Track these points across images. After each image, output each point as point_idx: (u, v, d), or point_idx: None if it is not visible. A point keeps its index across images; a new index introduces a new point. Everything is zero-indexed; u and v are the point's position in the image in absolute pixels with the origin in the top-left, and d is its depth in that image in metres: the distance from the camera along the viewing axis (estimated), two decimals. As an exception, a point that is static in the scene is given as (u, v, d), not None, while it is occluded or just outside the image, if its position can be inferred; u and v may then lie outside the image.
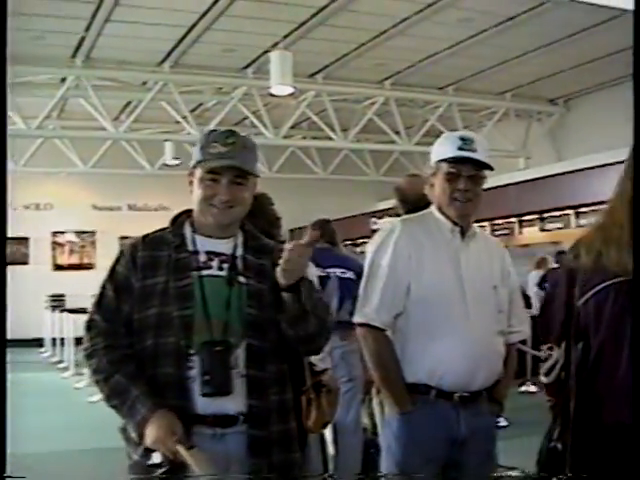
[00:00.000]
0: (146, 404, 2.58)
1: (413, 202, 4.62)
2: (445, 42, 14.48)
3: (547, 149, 18.69)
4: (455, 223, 3.44)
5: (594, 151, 15.11)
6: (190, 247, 2.82)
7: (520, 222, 16.26)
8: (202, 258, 2.80)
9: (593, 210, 15.32)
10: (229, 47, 14.52)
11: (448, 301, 3.33)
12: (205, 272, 2.77)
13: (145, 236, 2.88)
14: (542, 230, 16.49)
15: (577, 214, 15.58)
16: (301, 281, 2.69)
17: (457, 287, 3.35)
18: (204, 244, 2.83)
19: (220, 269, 2.79)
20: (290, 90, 13.96)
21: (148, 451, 2.57)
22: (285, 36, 13.77)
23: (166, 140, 18.85)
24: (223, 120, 16.51)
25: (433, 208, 3.53)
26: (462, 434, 3.28)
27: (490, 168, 3.42)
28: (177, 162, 18.73)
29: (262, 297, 2.77)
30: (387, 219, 4.67)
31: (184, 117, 16.38)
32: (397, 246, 3.39)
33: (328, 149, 19.51)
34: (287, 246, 2.68)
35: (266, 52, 14.32)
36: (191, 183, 2.85)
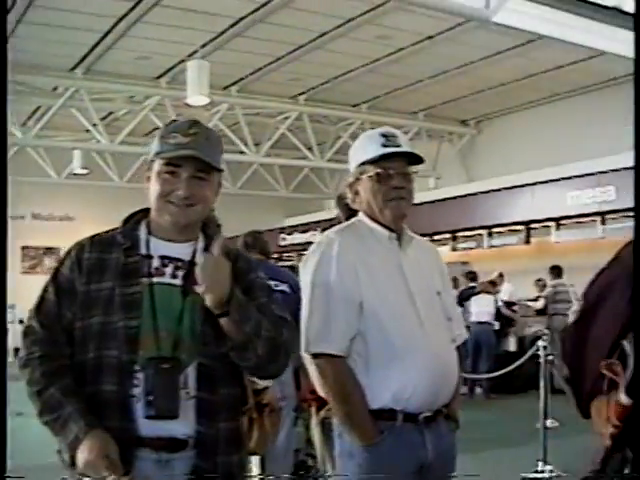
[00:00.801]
0: (79, 423, 2.29)
1: (356, 212, 4.46)
2: (362, 59, 14.49)
3: (457, 169, 18.90)
4: (391, 229, 3.13)
5: (503, 173, 15.29)
6: (142, 250, 2.52)
7: (432, 241, 16.26)
8: (155, 263, 2.50)
9: (506, 231, 15.53)
10: (143, 55, 14.23)
11: (402, 315, 3.03)
12: (157, 279, 2.47)
13: (94, 236, 2.58)
14: (454, 250, 16.60)
15: (489, 234, 15.74)
16: (230, 301, 2.36)
17: (407, 299, 3.06)
18: (159, 247, 2.53)
19: (174, 276, 2.49)
20: (206, 100, 13.67)
21: (82, 476, 2.27)
22: (203, 45, 13.53)
23: (74, 148, 18.35)
24: (134, 130, 16.19)
25: (362, 217, 3.22)
26: (429, 459, 3.03)
27: (420, 161, 3.14)
28: (85, 172, 18.28)
29: None
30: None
31: (94, 125, 15.98)
32: (340, 260, 3.02)
33: (238, 163, 19.28)
34: (198, 259, 2.40)
35: (182, 61, 14.09)
36: (148, 179, 2.54)
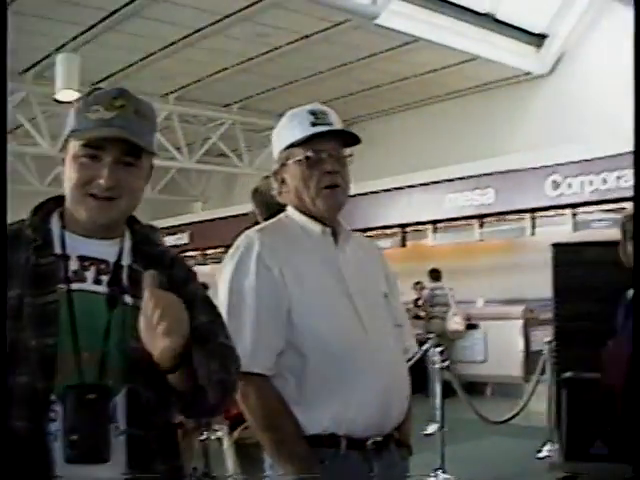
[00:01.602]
0: None
1: (275, 205, 4.04)
2: (236, 57, 14.14)
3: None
4: (324, 223, 2.70)
5: (378, 176, 15.20)
6: (57, 249, 2.00)
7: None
8: (73, 265, 1.99)
9: (381, 234, 15.44)
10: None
11: (341, 323, 2.59)
12: (76, 285, 1.95)
13: None
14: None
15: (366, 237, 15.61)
16: (187, 353, 1.87)
17: (347, 304, 2.62)
18: (77, 246, 2.01)
19: (97, 282, 1.98)
20: (76, 95, 12.95)
21: None
22: (73, 38, 12.91)
23: None
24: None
25: (290, 210, 2.78)
26: None
27: (357, 141, 2.70)
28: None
29: None
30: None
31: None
32: (261, 263, 2.58)
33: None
34: (143, 306, 1.84)
35: (49, 55, 13.43)
36: (63, 161, 2.03)
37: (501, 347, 13.37)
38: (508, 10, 14.02)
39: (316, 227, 2.70)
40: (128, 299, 1.99)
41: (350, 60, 14.26)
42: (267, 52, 13.69)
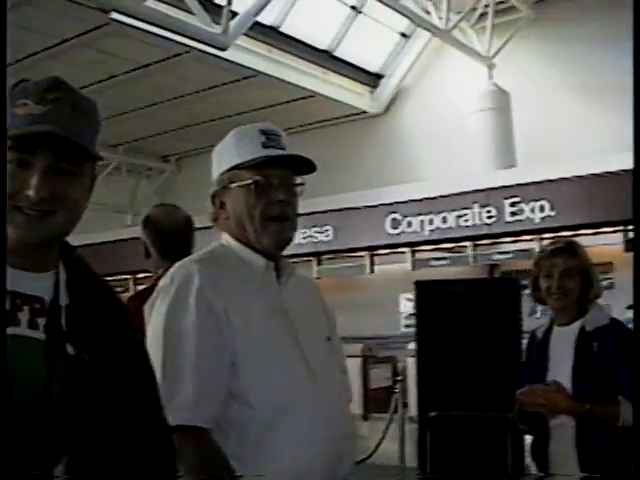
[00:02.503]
0: None
1: (170, 237, 3.68)
2: (72, 83, 13.41)
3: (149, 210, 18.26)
4: (267, 256, 2.39)
5: (202, 212, 14.90)
6: None
7: (135, 279, 15.46)
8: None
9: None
10: None
11: (291, 372, 2.29)
12: (9, 330, 1.51)
13: None
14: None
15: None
16: None
17: (295, 350, 2.33)
18: (7, 279, 1.56)
19: (33, 326, 1.55)
20: None
21: None
22: None
23: None
24: None
25: (228, 239, 2.44)
26: None
27: (312, 169, 2.41)
28: None
29: (102, 383, 1.61)
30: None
31: None
32: (203, 299, 2.23)
33: None
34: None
35: None
36: None
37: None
38: (347, 48, 14.14)
39: (260, 261, 2.37)
40: (70, 350, 1.58)
41: (186, 92, 13.95)
42: (102, 80, 13.11)
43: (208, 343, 2.20)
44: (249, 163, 2.33)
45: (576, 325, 3.60)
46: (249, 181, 2.32)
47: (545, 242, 11.05)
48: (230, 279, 2.33)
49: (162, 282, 2.35)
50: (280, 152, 2.36)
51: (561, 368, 3.54)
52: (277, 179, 2.35)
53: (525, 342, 3.95)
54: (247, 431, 2.22)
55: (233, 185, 2.37)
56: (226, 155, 2.41)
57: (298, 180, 2.42)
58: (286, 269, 2.44)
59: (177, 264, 2.40)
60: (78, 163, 1.60)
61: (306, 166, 2.41)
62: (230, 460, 2.16)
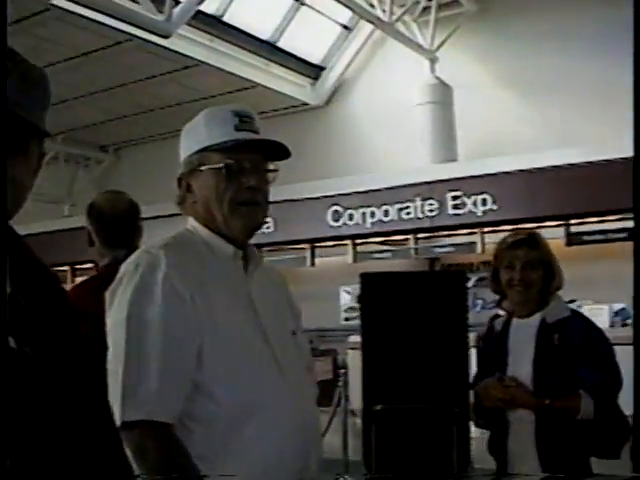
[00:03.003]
0: None
1: (113, 224, 3.56)
2: (5, 71, 13.17)
3: (93, 197, 17.97)
4: (235, 244, 2.32)
5: (142, 203, 14.71)
6: None
7: (73, 270, 15.18)
8: None
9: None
10: None
11: (259, 363, 2.22)
12: None
13: None
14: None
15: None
16: None
17: (263, 344, 2.24)
18: None
19: None
20: None
21: None
22: None
23: None
24: None
25: (194, 224, 2.36)
26: None
27: (286, 155, 2.35)
28: None
29: (45, 379, 1.46)
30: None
31: None
32: (169, 286, 2.12)
33: None
34: None
35: None
36: None
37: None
38: (290, 39, 14.07)
39: (227, 248, 2.32)
40: (11, 342, 1.42)
41: (127, 81, 13.74)
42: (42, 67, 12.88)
43: (174, 332, 2.12)
44: (220, 146, 2.26)
45: (537, 317, 3.60)
46: (220, 165, 2.27)
47: (486, 236, 11.15)
48: (197, 266, 2.25)
49: (124, 268, 2.26)
50: (253, 136, 2.30)
51: (522, 361, 3.54)
52: (249, 164, 2.29)
53: (473, 335, 3.85)
54: (212, 429, 2.14)
55: (203, 168, 2.29)
56: (196, 136, 2.33)
57: (271, 166, 2.36)
58: (254, 258, 2.38)
59: (141, 249, 2.34)
60: (24, 140, 1.48)
61: (280, 152, 2.35)
62: (194, 460, 2.06)
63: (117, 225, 3.56)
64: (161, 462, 2.04)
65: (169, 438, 2.08)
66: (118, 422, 1.95)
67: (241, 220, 2.30)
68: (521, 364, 3.55)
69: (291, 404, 2.23)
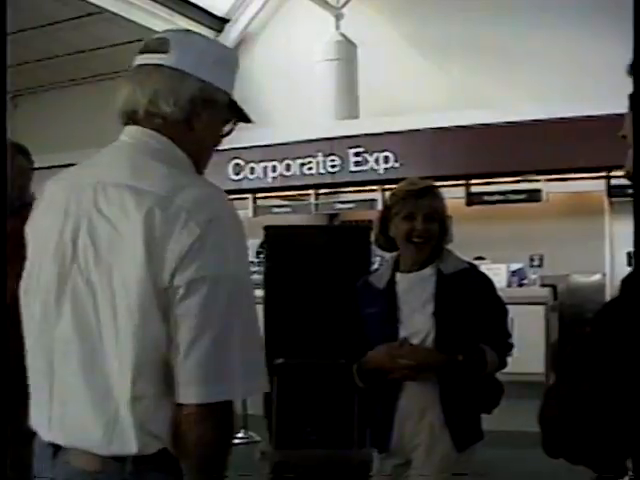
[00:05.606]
0: None
1: None
2: None
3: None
4: None
5: (42, 152, 14.39)
6: None
7: None
8: None
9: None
10: None
11: None
12: None
13: None
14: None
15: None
16: None
17: None
18: None
19: None
20: None
21: None
22: None
23: None
24: None
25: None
26: None
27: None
28: None
29: None
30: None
31: None
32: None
33: None
34: None
35: None
36: None
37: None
38: (194, -10, 13.86)
39: None
40: None
41: (27, 27, 13.32)
42: None
43: None
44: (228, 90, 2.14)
45: (429, 270, 3.39)
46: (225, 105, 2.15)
47: (387, 193, 11.25)
48: None
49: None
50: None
51: (419, 317, 3.33)
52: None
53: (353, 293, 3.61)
54: None
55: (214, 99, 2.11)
56: (205, 58, 2.08)
57: None
58: None
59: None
60: None
61: None
62: None
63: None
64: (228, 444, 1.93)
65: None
66: (223, 398, 1.80)
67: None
68: (419, 320, 3.32)
69: None
